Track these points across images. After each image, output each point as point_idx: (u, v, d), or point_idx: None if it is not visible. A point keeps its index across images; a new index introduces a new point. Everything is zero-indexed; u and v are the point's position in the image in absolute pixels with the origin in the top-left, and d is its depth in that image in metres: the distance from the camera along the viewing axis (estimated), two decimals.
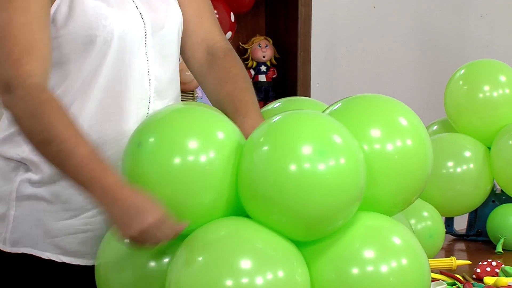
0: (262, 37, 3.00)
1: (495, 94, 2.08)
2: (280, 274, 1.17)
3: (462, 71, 2.15)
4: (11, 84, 1.30)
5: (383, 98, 1.34)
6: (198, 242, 1.22)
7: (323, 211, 1.19)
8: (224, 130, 1.27)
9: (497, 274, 1.81)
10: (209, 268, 1.17)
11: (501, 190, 2.14)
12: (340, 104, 1.33)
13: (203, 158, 1.22)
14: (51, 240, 1.44)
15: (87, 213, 1.44)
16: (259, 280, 1.15)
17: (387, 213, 1.30)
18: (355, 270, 1.21)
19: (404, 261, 1.23)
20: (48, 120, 1.29)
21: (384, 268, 1.20)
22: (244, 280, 1.15)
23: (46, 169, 1.41)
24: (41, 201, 1.43)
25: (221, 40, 1.56)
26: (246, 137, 1.30)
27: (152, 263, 1.29)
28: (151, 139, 1.25)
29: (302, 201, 1.18)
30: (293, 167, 1.17)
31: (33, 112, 1.29)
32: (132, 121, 1.42)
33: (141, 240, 1.26)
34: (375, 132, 1.27)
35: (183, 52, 1.56)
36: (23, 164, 1.43)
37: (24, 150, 1.41)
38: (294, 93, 2.89)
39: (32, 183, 1.43)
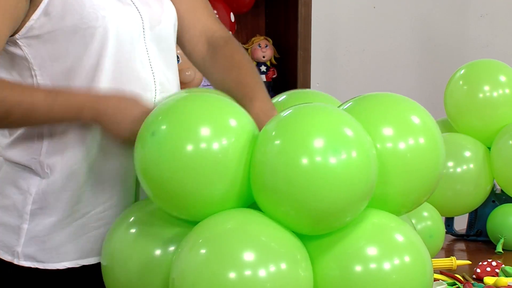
0: (262, 37, 3.00)
1: (495, 94, 2.08)
2: (283, 267, 1.17)
3: (462, 71, 2.15)
4: None
5: (396, 97, 1.34)
6: (204, 233, 1.22)
7: (333, 206, 1.19)
8: (237, 118, 1.26)
9: (497, 274, 1.81)
10: (213, 260, 1.17)
11: (501, 190, 2.14)
12: (351, 102, 1.33)
13: (216, 146, 1.21)
14: (65, 248, 1.43)
15: (98, 208, 1.43)
16: (262, 273, 1.15)
17: (395, 212, 1.30)
18: (358, 268, 1.20)
19: (407, 259, 1.22)
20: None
21: (387, 266, 1.20)
22: (247, 272, 1.15)
23: (57, 170, 1.40)
24: (53, 210, 1.41)
25: (219, 29, 1.56)
26: (256, 120, 1.30)
27: (157, 252, 1.29)
28: (164, 127, 1.24)
29: (312, 195, 1.17)
30: (304, 161, 1.17)
31: None
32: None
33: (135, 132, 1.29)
34: (388, 131, 1.27)
35: (183, 48, 1.56)
36: (31, 170, 1.42)
37: (32, 153, 1.41)
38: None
39: (44, 191, 1.41)
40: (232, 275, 1.15)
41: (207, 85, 3.61)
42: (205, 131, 1.23)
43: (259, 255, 1.17)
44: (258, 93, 1.45)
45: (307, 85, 2.93)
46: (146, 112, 1.31)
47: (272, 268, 1.16)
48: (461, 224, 2.22)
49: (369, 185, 1.21)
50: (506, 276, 1.78)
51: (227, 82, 1.48)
